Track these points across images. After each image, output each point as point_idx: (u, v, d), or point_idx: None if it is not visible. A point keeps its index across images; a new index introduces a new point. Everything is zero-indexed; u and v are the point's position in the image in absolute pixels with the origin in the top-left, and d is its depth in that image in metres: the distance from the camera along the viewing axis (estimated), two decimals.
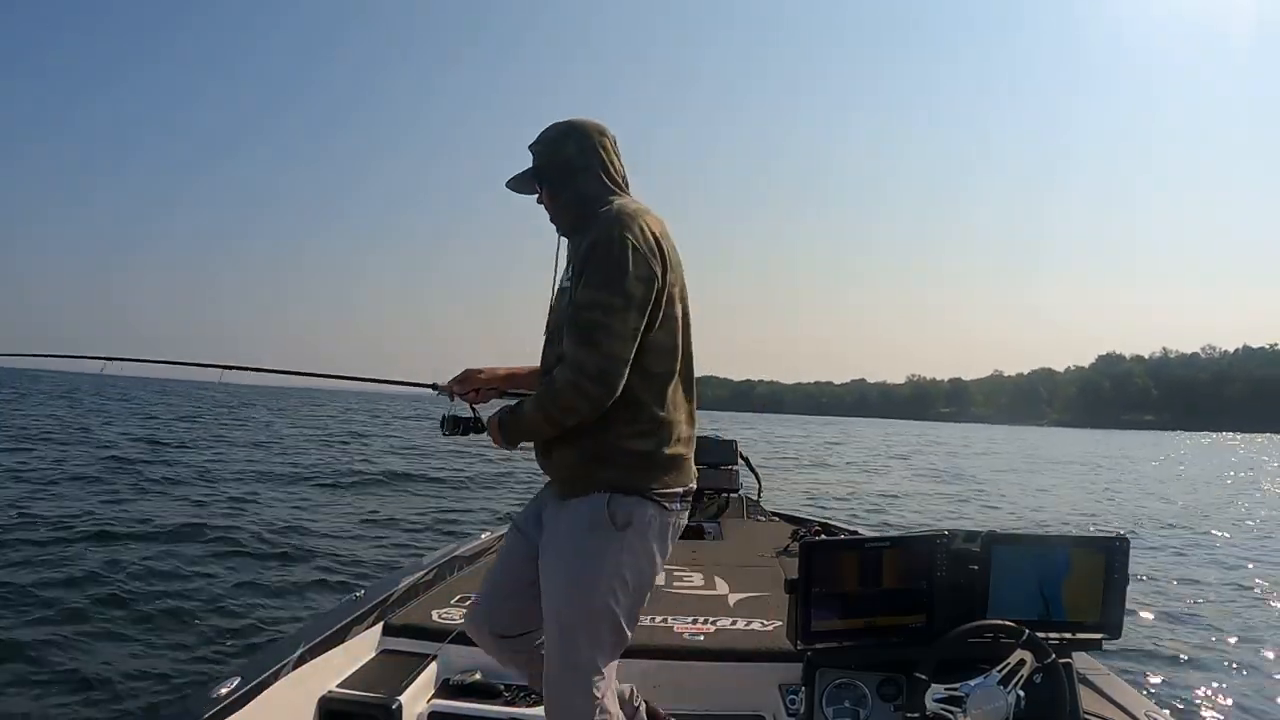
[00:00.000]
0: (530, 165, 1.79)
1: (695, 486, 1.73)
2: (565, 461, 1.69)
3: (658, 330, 1.62)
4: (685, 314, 1.70)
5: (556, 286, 1.77)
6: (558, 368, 1.61)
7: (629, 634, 1.68)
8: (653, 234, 1.62)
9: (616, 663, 1.69)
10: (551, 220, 1.80)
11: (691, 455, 1.71)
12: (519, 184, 1.81)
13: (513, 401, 1.80)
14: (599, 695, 1.62)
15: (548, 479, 1.81)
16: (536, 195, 1.81)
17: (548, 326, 1.78)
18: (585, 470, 1.65)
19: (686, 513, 1.74)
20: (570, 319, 1.59)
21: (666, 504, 1.65)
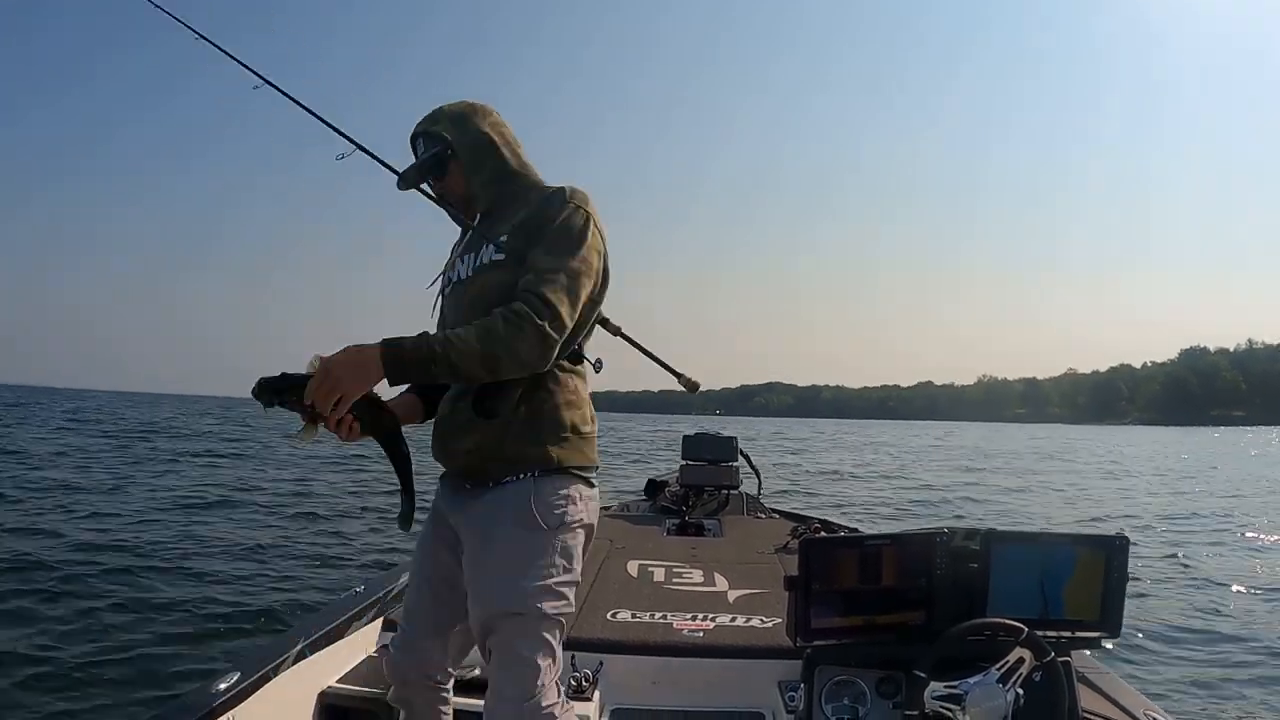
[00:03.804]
0: (425, 154, 1.66)
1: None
2: (489, 439, 1.51)
3: (590, 305, 1.58)
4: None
5: (466, 269, 1.62)
6: (513, 302, 1.42)
7: (564, 631, 1.57)
8: (598, 216, 1.60)
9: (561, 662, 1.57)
10: (455, 203, 1.68)
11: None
12: (418, 174, 1.68)
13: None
14: (549, 705, 1.51)
15: (445, 470, 1.66)
16: (412, 186, 1.70)
17: (444, 318, 1.68)
18: (513, 449, 1.51)
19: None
20: (531, 282, 1.45)
21: (593, 481, 1.61)
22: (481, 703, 2.21)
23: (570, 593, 1.55)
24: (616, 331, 1.78)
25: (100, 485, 10.58)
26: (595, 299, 1.58)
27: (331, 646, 2.23)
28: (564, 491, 1.53)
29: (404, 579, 2.76)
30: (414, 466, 1.58)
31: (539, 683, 1.50)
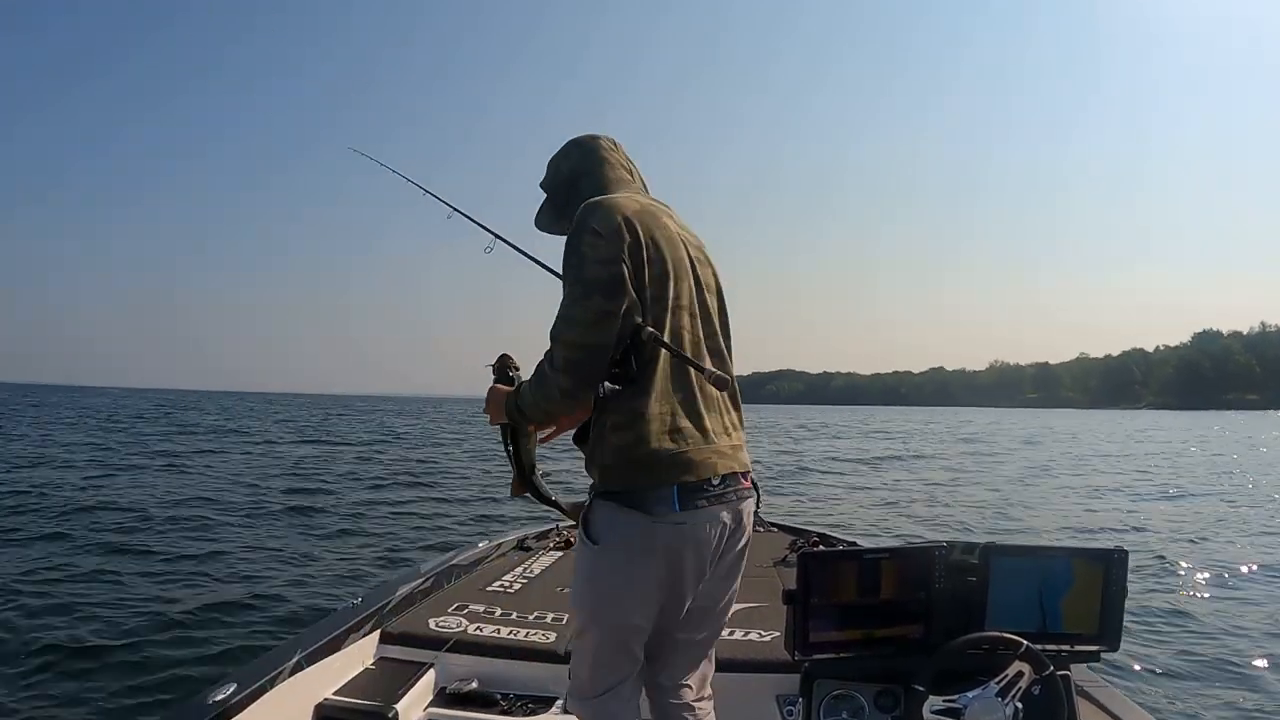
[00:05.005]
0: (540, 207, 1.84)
1: (710, 477, 1.53)
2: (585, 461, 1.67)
3: (606, 318, 1.50)
4: (679, 295, 1.58)
5: None
6: None
7: (625, 657, 1.60)
8: (622, 216, 1.54)
9: (628, 686, 1.63)
10: None
11: (699, 446, 1.53)
12: (546, 222, 1.83)
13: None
14: (601, 717, 1.61)
15: None
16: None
17: None
18: (589, 471, 1.60)
19: (710, 509, 1.53)
20: None
21: (652, 509, 1.48)
22: (477, 715, 2.22)
23: (612, 609, 1.57)
24: (651, 339, 1.53)
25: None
26: (610, 311, 1.48)
27: (329, 658, 2.22)
28: (606, 515, 1.54)
29: (401, 591, 2.76)
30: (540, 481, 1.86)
31: (583, 690, 1.63)
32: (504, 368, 1.75)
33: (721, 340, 1.69)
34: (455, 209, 2.21)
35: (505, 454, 1.82)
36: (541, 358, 1.56)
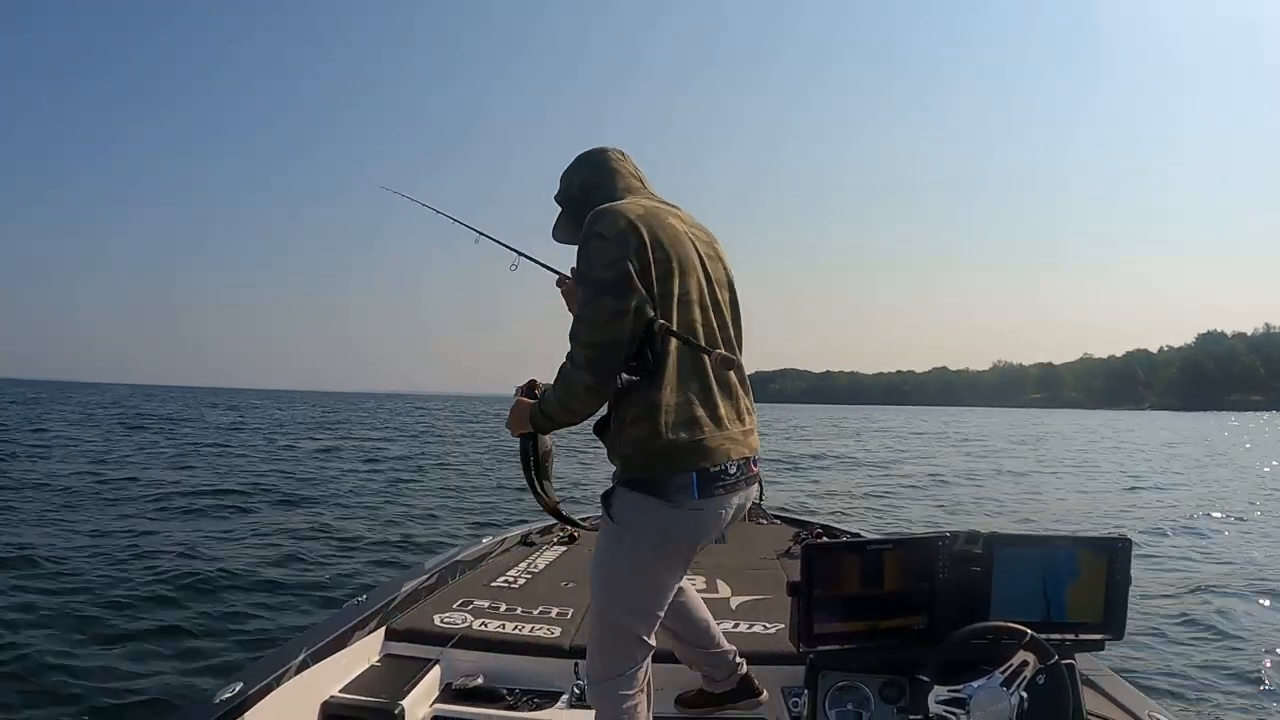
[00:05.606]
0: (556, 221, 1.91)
1: (723, 465, 1.63)
2: (606, 450, 1.74)
3: (617, 318, 1.59)
4: (688, 290, 1.66)
5: None
6: None
7: (637, 639, 1.70)
8: (626, 220, 1.62)
9: (640, 671, 1.72)
10: None
11: (713, 433, 1.62)
12: (563, 234, 1.90)
13: None
14: (612, 701, 1.68)
15: None
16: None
17: None
18: (612, 460, 1.70)
19: (724, 495, 1.65)
20: None
21: (671, 497, 1.59)
22: (483, 710, 2.23)
23: (628, 593, 1.69)
24: (663, 331, 1.62)
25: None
26: (621, 309, 1.56)
27: (334, 656, 2.23)
28: (627, 501, 1.65)
29: (406, 588, 2.76)
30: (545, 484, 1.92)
31: (600, 670, 1.70)
32: (531, 387, 1.85)
33: (732, 331, 1.79)
34: (483, 234, 2.31)
35: (522, 469, 1.90)
36: (564, 360, 1.64)
